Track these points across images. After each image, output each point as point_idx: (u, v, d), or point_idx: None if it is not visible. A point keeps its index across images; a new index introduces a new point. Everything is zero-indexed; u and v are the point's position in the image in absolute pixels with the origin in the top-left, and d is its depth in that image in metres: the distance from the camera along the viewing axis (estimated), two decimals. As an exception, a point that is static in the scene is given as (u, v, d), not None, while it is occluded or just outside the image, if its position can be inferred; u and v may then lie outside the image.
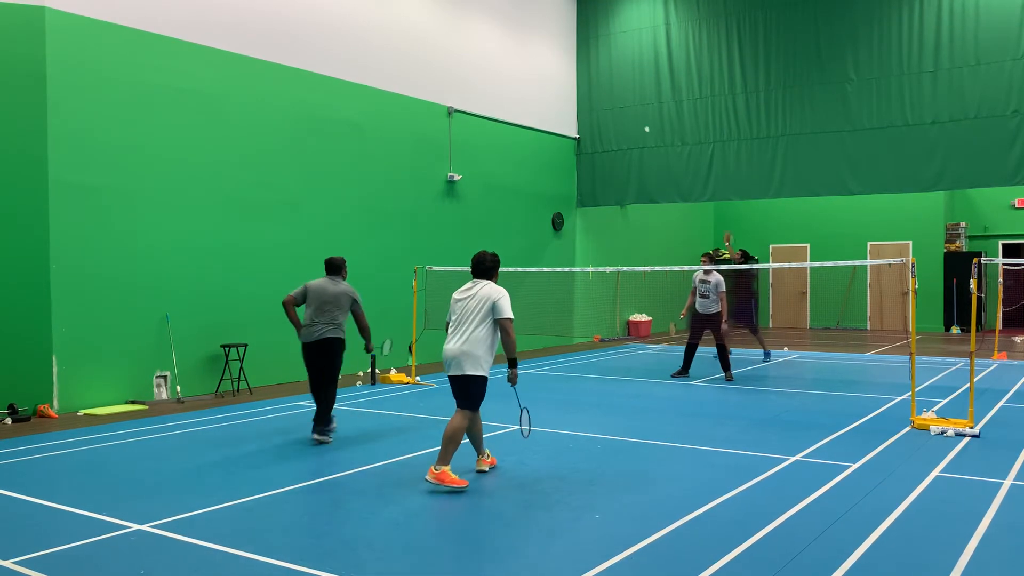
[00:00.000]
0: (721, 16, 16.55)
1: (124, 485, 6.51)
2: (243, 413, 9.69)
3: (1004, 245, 21.28)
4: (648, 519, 5.52)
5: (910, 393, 9.11)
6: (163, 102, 10.69)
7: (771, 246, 23.57)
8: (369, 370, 12.48)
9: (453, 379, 6.53)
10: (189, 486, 6.48)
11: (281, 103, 12.17)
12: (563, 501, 5.99)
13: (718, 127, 16.54)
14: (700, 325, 12.41)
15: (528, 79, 17.18)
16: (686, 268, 12.58)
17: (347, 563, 4.75)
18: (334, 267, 8.40)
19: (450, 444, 6.36)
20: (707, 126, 16.67)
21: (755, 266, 13.36)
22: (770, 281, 23.55)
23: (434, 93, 14.88)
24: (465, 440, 7.25)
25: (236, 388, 11.18)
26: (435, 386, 11.88)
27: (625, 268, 14.36)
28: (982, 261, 10.43)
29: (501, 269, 6.93)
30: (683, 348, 13.02)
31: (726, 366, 12.33)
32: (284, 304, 8.15)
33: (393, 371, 12.91)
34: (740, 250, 16.38)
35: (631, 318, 20.29)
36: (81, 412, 9.76)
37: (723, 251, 16.13)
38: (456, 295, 6.68)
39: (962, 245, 21.10)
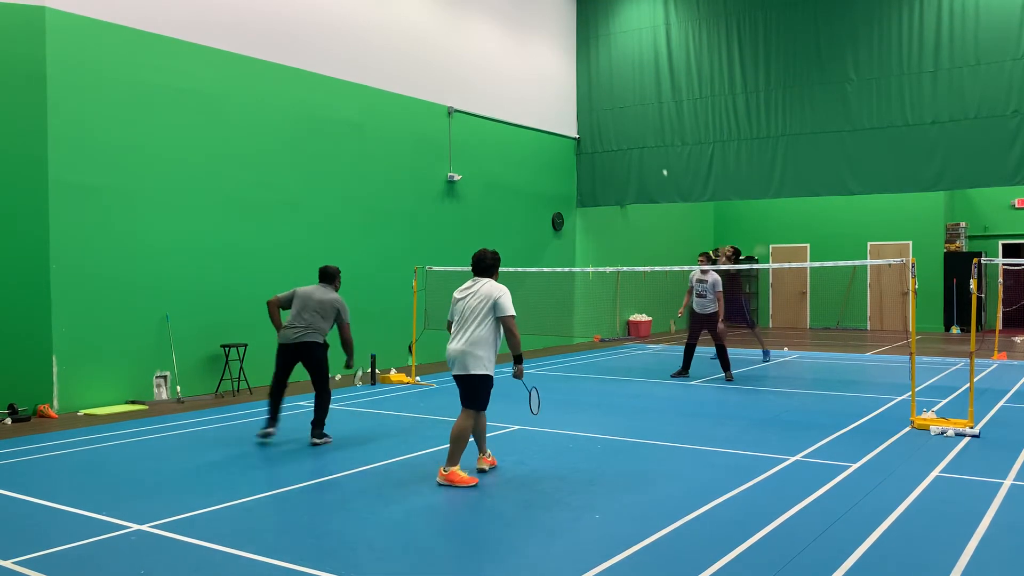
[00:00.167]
0: (721, 16, 16.55)
1: (124, 485, 6.51)
2: (243, 413, 9.68)
3: (1004, 245, 21.28)
4: (648, 519, 5.52)
5: (910, 393, 9.11)
6: (163, 102, 10.69)
7: (771, 246, 23.57)
8: (369, 370, 12.48)
9: (457, 378, 6.54)
10: (189, 486, 6.48)
11: (281, 103, 12.17)
12: (563, 501, 5.99)
13: (718, 127, 16.54)
14: (698, 325, 12.41)
15: (528, 79, 17.18)
16: (686, 268, 12.58)
17: (347, 563, 4.75)
18: (327, 276, 8.33)
19: (457, 444, 6.39)
20: (707, 126, 16.67)
21: (755, 266, 13.36)
22: (770, 281, 23.56)
23: (434, 93, 14.88)
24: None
25: (236, 388, 11.18)
26: (435, 386, 11.88)
27: (625, 268, 14.35)
28: (982, 261, 10.43)
29: (501, 269, 6.93)
30: (682, 348, 13.02)
31: (726, 366, 12.33)
32: (268, 304, 8.16)
33: (393, 371, 12.91)
34: (731, 247, 16.36)
35: (631, 318, 20.29)
36: (81, 412, 9.76)
37: (722, 251, 16.12)
38: (456, 294, 6.67)
39: (962, 245, 21.10)
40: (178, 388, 10.76)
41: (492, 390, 6.63)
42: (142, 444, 8.07)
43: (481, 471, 6.85)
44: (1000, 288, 17.50)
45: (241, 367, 11.18)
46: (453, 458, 6.37)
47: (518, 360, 6.57)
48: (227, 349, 11.17)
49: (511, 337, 6.47)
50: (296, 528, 5.45)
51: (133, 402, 10.32)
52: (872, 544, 5.00)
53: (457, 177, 15.17)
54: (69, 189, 9.78)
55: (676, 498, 6.02)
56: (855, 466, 6.93)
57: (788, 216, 23.02)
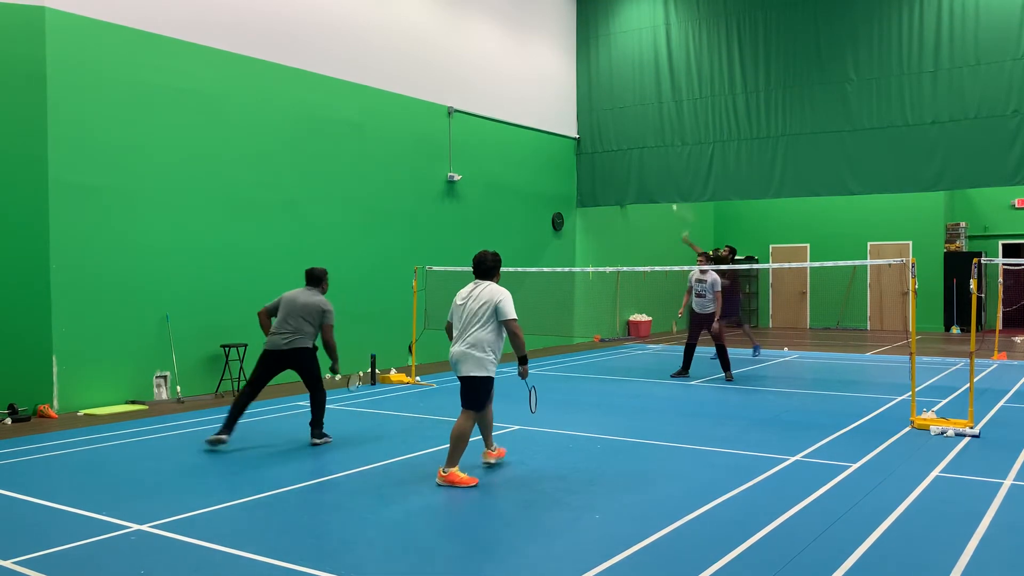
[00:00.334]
0: (721, 16, 16.55)
1: (124, 485, 6.51)
2: (244, 413, 9.67)
3: (1004, 245, 21.28)
4: (648, 519, 5.52)
5: (910, 393, 9.11)
6: (163, 102, 10.69)
7: (771, 246, 23.58)
8: (369, 370, 12.48)
9: (460, 379, 6.59)
10: (189, 486, 6.48)
11: (281, 103, 12.17)
12: (563, 501, 5.99)
13: (718, 127, 16.54)
14: (698, 325, 12.41)
15: (528, 79, 17.18)
16: (686, 268, 12.58)
17: (347, 563, 4.75)
18: (313, 278, 8.21)
19: (456, 445, 6.41)
20: (707, 126, 16.66)
21: (755, 266, 13.34)
22: (770, 281, 23.56)
23: (434, 93, 14.88)
24: (476, 437, 7.29)
25: (236, 388, 11.17)
26: (435, 386, 11.88)
27: (625, 268, 14.35)
28: (982, 261, 10.43)
29: (502, 269, 6.94)
30: (682, 348, 13.02)
31: (726, 366, 12.33)
32: (259, 315, 8.11)
33: (393, 371, 12.91)
34: (728, 247, 16.36)
35: (631, 318, 20.29)
36: (81, 412, 9.76)
37: (721, 251, 16.11)
38: (458, 299, 6.70)
39: (962, 245, 21.09)
40: (178, 388, 10.76)
41: (492, 390, 6.66)
42: (142, 444, 8.07)
43: (488, 465, 6.91)
44: (1000, 288, 17.50)
45: (241, 367, 11.18)
46: (453, 459, 6.39)
47: (523, 361, 6.60)
48: (227, 349, 11.17)
49: (515, 339, 6.51)
50: (296, 528, 5.45)
51: (133, 402, 10.32)
52: (872, 544, 5.00)
53: (457, 177, 15.17)
54: (69, 189, 9.78)
55: (676, 498, 6.02)
56: (855, 466, 6.93)
57: (788, 216, 23.02)
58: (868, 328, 21.93)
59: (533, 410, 6.98)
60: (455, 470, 6.36)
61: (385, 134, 13.86)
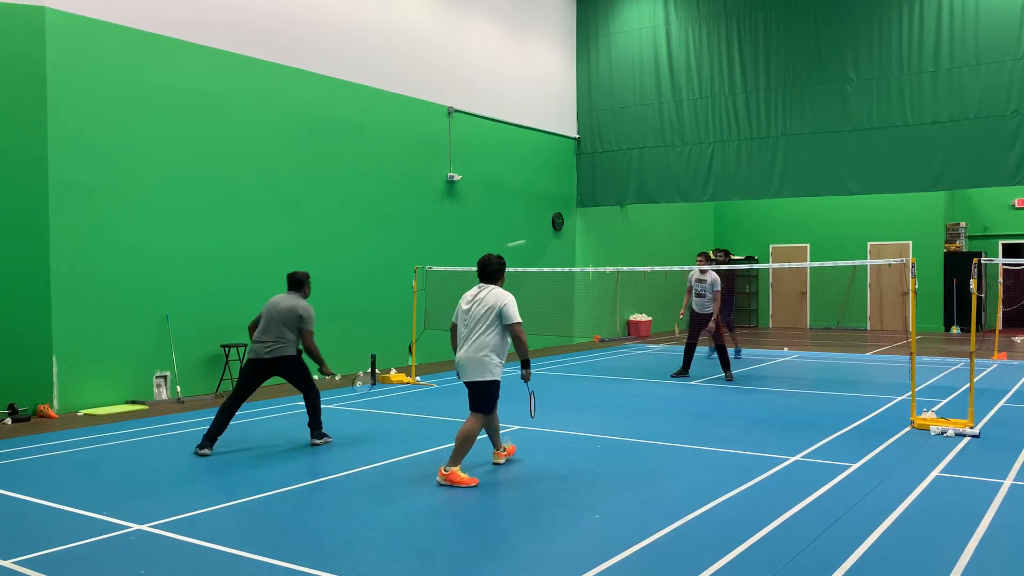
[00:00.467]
0: (721, 16, 16.55)
1: (124, 485, 6.51)
2: (243, 413, 9.67)
3: (1004, 245, 21.28)
4: (648, 519, 5.52)
5: (910, 393, 9.11)
6: (163, 102, 10.69)
7: (771, 246, 23.58)
8: (369, 370, 12.48)
9: (467, 384, 6.64)
10: (189, 486, 6.48)
11: (281, 103, 12.17)
12: (563, 501, 5.99)
13: (718, 127, 16.54)
14: (698, 325, 12.41)
15: (528, 79, 17.18)
16: (686, 268, 12.58)
17: (347, 563, 4.75)
18: (295, 282, 8.05)
19: (462, 446, 6.44)
20: (707, 126, 16.67)
21: (755, 266, 13.34)
22: (770, 281, 23.56)
23: (434, 93, 14.88)
24: (483, 436, 7.31)
25: (236, 388, 11.17)
26: (435, 386, 11.88)
27: (625, 268, 14.35)
28: (982, 261, 10.43)
29: (501, 269, 6.97)
30: (683, 348, 13.02)
31: (726, 366, 12.33)
32: (248, 329, 8.03)
33: (393, 371, 12.91)
34: (721, 249, 16.38)
35: (631, 318, 20.29)
36: (81, 412, 9.76)
37: (722, 252, 16.11)
38: (463, 303, 6.72)
39: (962, 245, 21.10)
40: (178, 388, 10.76)
41: (499, 393, 6.72)
42: (142, 444, 8.07)
43: (497, 464, 6.98)
44: (1000, 288, 17.50)
45: (241, 367, 11.18)
46: (456, 458, 6.41)
47: (525, 365, 6.66)
48: (227, 349, 11.17)
49: (519, 343, 6.56)
50: (296, 528, 5.45)
51: (133, 402, 10.32)
52: (872, 544, 5.00)
53: (457, 177, 15.17)
54: (69, 189, 9.78)
55: (676, 498, 6.02)
56: (855, 466, 6.93)
57: (788, 216, 23.02)
58: (868, 328, 21.93)
59: (533, 415, 7.03)
60: (456, 469, 6.37)
61: (385, 134, 13.86)
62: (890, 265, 14.38)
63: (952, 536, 5.16)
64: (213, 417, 7.70)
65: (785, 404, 10.21)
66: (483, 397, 6.56)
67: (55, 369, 9.67)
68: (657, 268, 12.60)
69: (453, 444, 6.85)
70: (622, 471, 6.87)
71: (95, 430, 8.73)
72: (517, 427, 8.59)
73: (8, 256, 9.57)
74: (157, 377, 10.69)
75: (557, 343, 17.73)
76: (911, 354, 8.97)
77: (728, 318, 15.51)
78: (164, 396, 10.70)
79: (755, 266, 13.58)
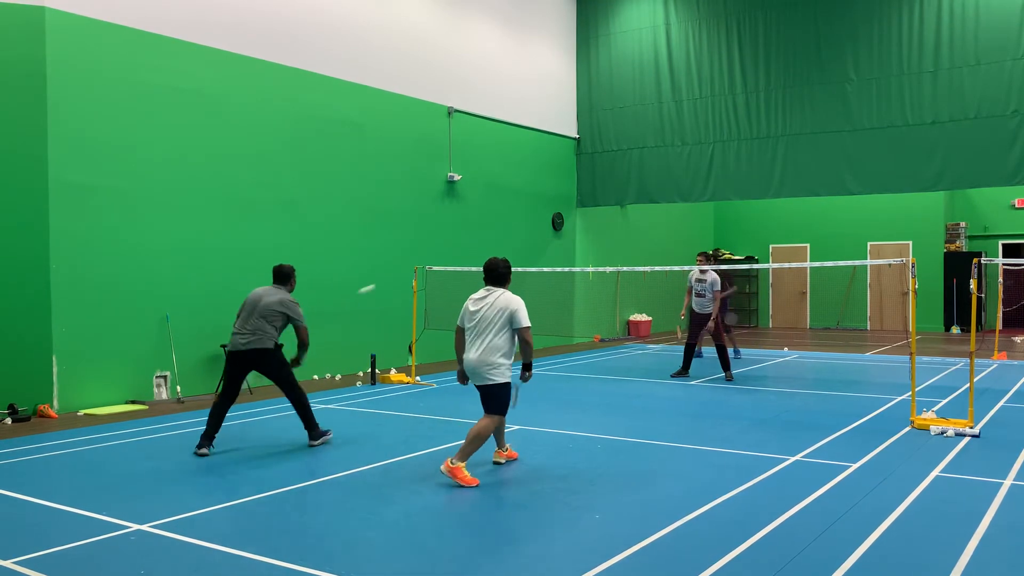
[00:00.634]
0: (721, 16, 16.55)
1: (124, 485, 6.51)
2: (243, 413, 9.68)
3: (1004, 245, 21.28)
4: (648, 519, 5.52)
5: (910, 393, 9.11)
6: (163, 102, 10.69)
7: (771, 246, 23.58)
8: (369, 370, 12.48)
9: (479, 387, 6.68)
10: (189, 486, 6.48)
11: (281, 103, 12.17)
12: (563, 501, 5.99)
13: (718, 127, 16.54)
14: (698, 325, 12.40)
15: (528, 79, 17.18)
16: (686, 268, 12.57)
17: (347, 563, 4.75)
18: (281, 276, 8.00)
19: (473, 443, 6.48)
20: (707, 126, 16.67)
21: (755, 266, 13.34)
22: (770, 281, 23.56)
23: (434, 93, 14.88)
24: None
25: (236, 388, 11.17)
26: (435, 386, 11.88)
27: (625, 268, 14.35)
28: (982, 261, 10.43)
29: (503, 269, 7.00)
30: (683, 348, 13.02)
31: (726, 366, 12.32)
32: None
33: (393, 371, 12.91)
34: (714, 250, 16.40)
35: (631, 318, 20.29)
36: (81, 412, 9.76)
37: (723, 252, 16.12)
38: (471, 305, 6.73)
39: (962, 245, 21.10)
40: (178, 388, 10.76)
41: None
42: (142, 444, 8.07)
43: (497, 463, 7.01)
44: (1000, 288, 17.50)
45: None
46: (464, 454, 6.44)
47: (528, 368, 6.74)
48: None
49: (526, 347, 6.65)
50: (296, 528, 5.45)
51: (133, 402, 10.32)
52: (872, 544, 5.00)
53: (457, 177, 15.17)
54: (69, 189, 9.78)
55: (676, 498, 6.02)
56: (855, 466, 6.93)
57: (788, 216, 23.02)
58: (868, 328, 21.93)
59: (514, 404, 7.05)
60: (462, 466, 6.38)
61: (385, 134, 13.86)
62: (890, 265, 14.38)
63: (952, 536, 5.16)
64: (212, 420, 7.65)
65: (785, 404, 10.21)
66: (496, 399, 6.62)
67: (55, 369, 9.67)
68: (657, 268, 12.59)
69: (454, 443, 6.89)
70: (622, 471, 6.87)
71: (95, 430, 8.73)
72: (517, 427, 8.59)
73: (8, 256, 9.57)
74: (157, 377, 10.69)
75: (557, 343, 17.72)
76: (911, 354, 8.97)
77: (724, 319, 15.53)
78: (164, 396, 10.70)
79: (755, 266, 13.59)
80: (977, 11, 14.12)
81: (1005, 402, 10.13)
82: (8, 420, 9.14)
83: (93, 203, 10.00)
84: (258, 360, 7.70)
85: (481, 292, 6.77)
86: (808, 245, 22.96)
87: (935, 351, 16.14)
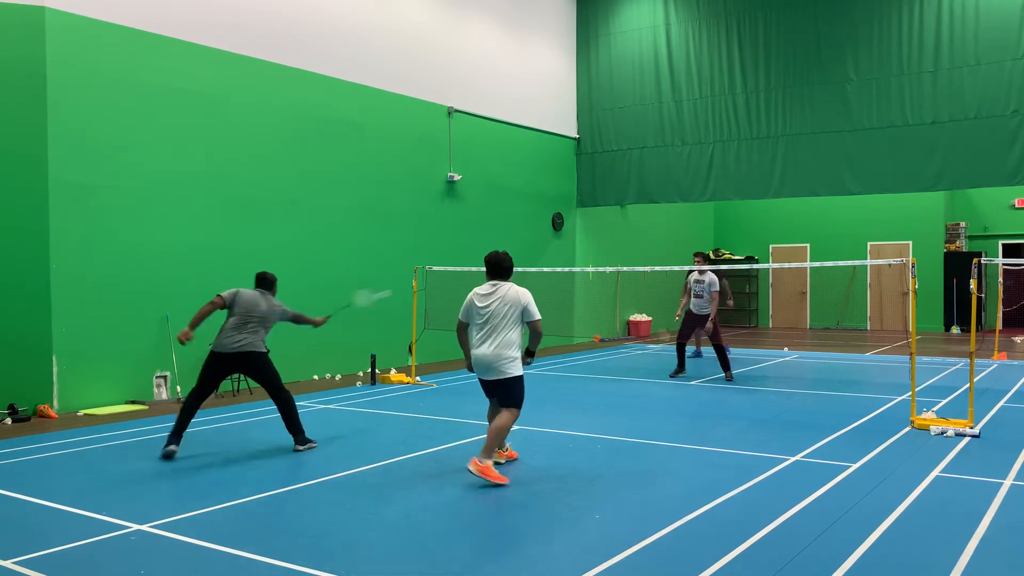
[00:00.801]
0: (721, 16, 16.55)
1: (124, 485, 6.51)
2: (243, 413, 9.69)
3: (1004, 245, 21.28)
4: (648, 519, 5.52)
5: (910, 393, 9.11)
6: (163, 102, 10.69)
7: (771, 246, 23.58)
8: (369, 370, 12.48)
9: (494, 383, 6.67)
10: (189, 486, 6.48)
11: (281, 103, 12.17)
12: (563, 501, 5.99)
13: (718, 127, 16.54)
14: (692, 326, 12.43)
15: (528, 79, 17.18)
16: (686, 268, 12.58)
17: (347, 563, 4.75)
18: (266, 282, 8.01)
19: (496, 438, 6.52)
20: (707, 126, 16.67)
21: (755, 266, 13.35)
22: (770, 281, 23.56)
23: (434, 93, 14.88)
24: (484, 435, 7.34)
25: (236, 388, 11.18)
26: (435, 386, 11.88)
27: (625, 268, 14.35)
28: (982, 261, 10.43)
29: (504, 269, 7.02)
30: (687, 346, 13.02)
31: (726, 366, 12.32)
32: (213, 303, 7.72)
33: (393, 371, 12.91)
34: (715, 250, 16.41)
35: (631, 318, 20.29)
36: (81, 412, 9.76)
37: (723, 252, 16.13)
38: (477, 300, 6.71)
39: (962, 245, 21.10)
40: (178, 388, 10.76)
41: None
42: (142, 444, 8.06)
43: (497, 463, 6.96)
44: (1000, 288, 17.50)
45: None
46: (489, 451, 6.47)
47: (531, 354, 6.86)
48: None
49: (537, 338, 6.76)
50: (296, 528, 5.45)
51: (133, 402, 10.32)
52: (872, 544, 5.00)
53: (457, 177, 15.17)
54: (69, 189, 9.78)
55: (676, 498, 6.02)
56: (855, 466, 6.93)
57: (788, 216, 23.02)
58: (868, 328, 21.93)
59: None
60: (490, 463, 6.41)
61: (385, 134, 13.86)
62: (890, 265, 14.37)
63: (952, 536, 5.16)
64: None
65: (785, 404, 10.21)
66: (513, 392, 6.65)
67: (55, 369, 9.67)
68: (657, 268, 12.60)
69: (454, 443, 6.88)
70: (622, 471, 6.87)
71: (95, 430, 8.73)
72: (517, 427, 8.58)
73: (8, 256, 9.57)
74: (157, 377, 10.68)
75: (557, 343, 17.72)
76: (911, 354, 8.97)
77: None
78: (164, 396, 10.70)
79: (755, 266, 13.59)
80: (977, 11, 14.12)
81: (1005, 402, 10.13)
82: (8, 420, 9.14)
83: (93, 203, 10.00)
84: (248, 363, 7.68)
85: (486, 287, 6.75)
86: (808, 245, 22.96)
87: (935, 351, 16.15)
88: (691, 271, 12.50)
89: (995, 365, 13.78)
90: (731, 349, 15.69)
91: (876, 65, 14.94)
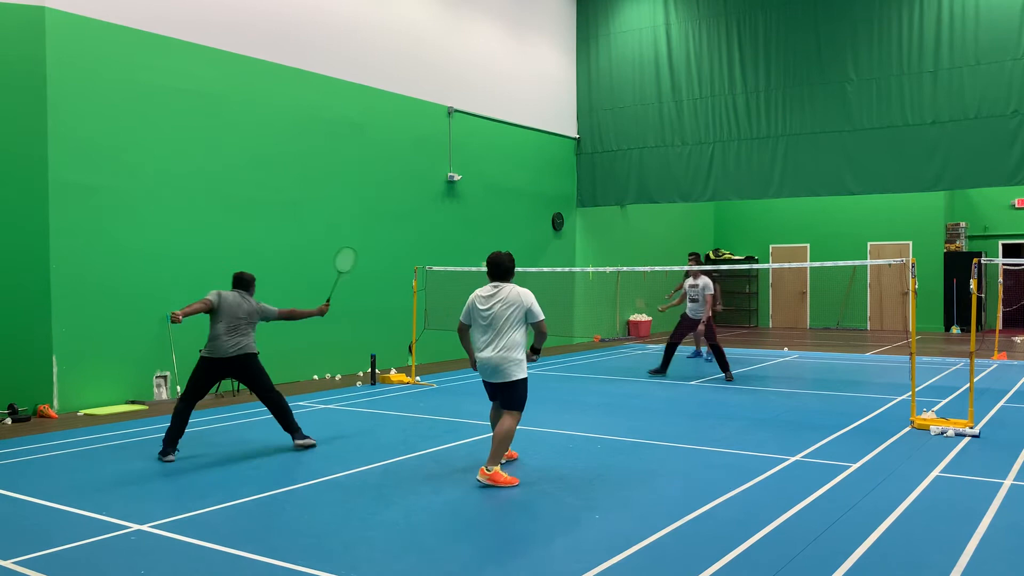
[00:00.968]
0: (721, 16, 16.56)
1: (124, 485, 6.51)
2: (243, 413, 9.69)
3: (1004, 245, 21.28)
4: (648, 519, 5.52)
5: (910, 393, 9.11)
6: (163, 102, 10.69)
7: (771, 246, 23.58)
8: (369, 370, 12.48)
9: (499, 385, 6.64)
10: (189, 486, 6.48)
11: (281, 103, 12.17)
12: (563, 501, 5.98)
13: (718, 127, 16.54)
14: (686, 328, 12.48)
15: (528, 79, 17.18)
16: (686, 268, 12.59)
17: (347, 563, 4.75)
18: (244, 283, 7.92)
19: (502, 444, 6.50)
20: (707, 126, 16.67)
21: (755, 266, 13.35)
22: (770, 281, 23.56)
23: (434, 93, 14.88)
24: (487, 435, 7.32)
25: (236, 388, 11.18)
26: (435, 386, 11.88)
27: (625, 268, 14.34)
28: (982, 261, 10.43)
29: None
30: (685, 346, 13.03)
31: (725, 366, 12.33)
32: (205, 302, 7.53)
33: (393, 371, 12.91)
34: (714, 250, 16.43)
35: (631, 318, 20.29)
36: (81, 412, 9.76)
37: (723, 252, 16.14)
38: (479, 302, 6.68)
39: (962, 245, 21.10)
40: (178, 388, 10.75)
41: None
42: (142, 444, 8.06)
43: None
44: (1000, 288, 17.49)
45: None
46: (496, 457, 6.45)
47: (536, 351, 6.83)
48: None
49: (542, 338, 6.76)
50: (296, 528, 5.45)
51: (133, 402, 10.32)
52: (872, 544, 5.00)
53: (457, 177, 15.17)
54: (69, 189, 9.78)
55: (676, 498, 6.02)
56: (855, 466, 6.92)
57: (788, 216, 23.02)
58: (868, 328, 21.93)
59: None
60: (498, 469, 6.40)
61: (385, 134, 13.86)
62: (890, 265, 14.37)
63: (952, 536, 5.15)
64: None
65: (785, 404, 10.21)
66: (519, 394, 6.63)
67: (55, 369, 9.66)
68: (657, 268, 12.60)
69: (454, 443, 6.87)
70: (622, 471, 6.87)
71: (95, 430, 8.73)
72: (517, 427, 8.57)
73: (8, 256, 9.57)
74: (157, 377, 10.68)
75: (557, 343, 17.72)
76: (911, 354, 8.97)
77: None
78: (164, 396, 10.70)
79: (755, 266, 13.60)
80: (977, 11, 14.12)
81: (1005, 402, 10.13)
82: (8, 420, 9.14)
83: (93, 203, 10.00)
84: (243, 365, 7.65)
85: (487, 289, 6.72)
86: (808, 245, 22.96)
87: (935, 351, 16.14)
88: (688, 275, 12.59)
89: (995, 365, 13.78)
90: (705, 350, 15.61)
91: (876, 65, 14.95)
